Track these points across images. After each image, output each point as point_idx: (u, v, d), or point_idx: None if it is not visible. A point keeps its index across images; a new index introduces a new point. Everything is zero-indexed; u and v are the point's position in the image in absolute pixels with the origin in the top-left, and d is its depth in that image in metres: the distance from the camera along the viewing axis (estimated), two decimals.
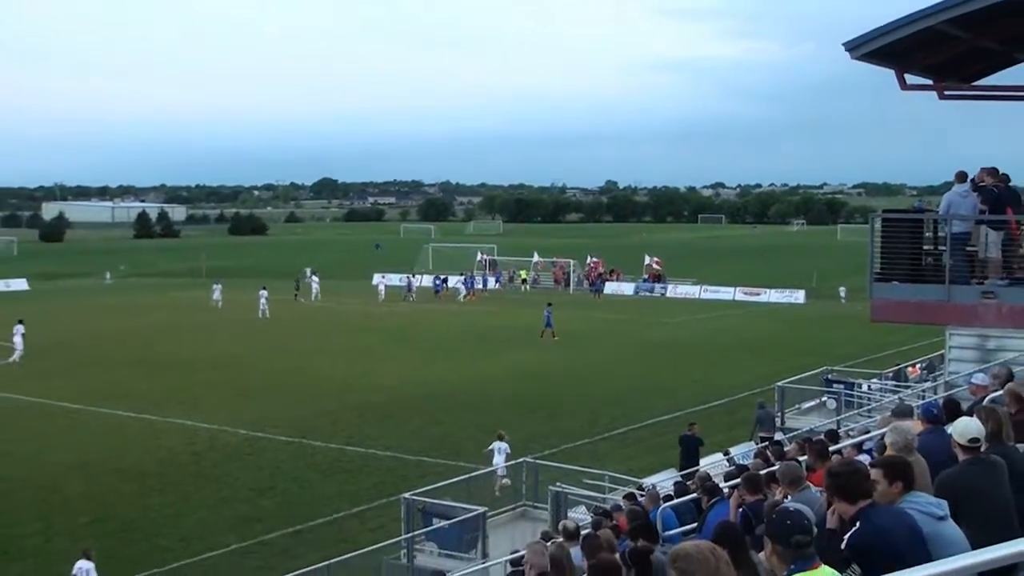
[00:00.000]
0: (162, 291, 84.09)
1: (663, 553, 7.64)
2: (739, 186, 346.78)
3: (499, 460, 27.53)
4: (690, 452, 27.04)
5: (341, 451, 32.72)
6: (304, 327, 62.46)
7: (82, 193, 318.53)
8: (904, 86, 19.16)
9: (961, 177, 17.50)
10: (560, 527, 18.84)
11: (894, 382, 31.91)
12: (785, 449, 15.86)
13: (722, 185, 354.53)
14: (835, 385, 31.68)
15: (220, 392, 42.00)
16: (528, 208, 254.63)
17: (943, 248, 17.66)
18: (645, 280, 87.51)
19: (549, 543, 12.15)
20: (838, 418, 26.65)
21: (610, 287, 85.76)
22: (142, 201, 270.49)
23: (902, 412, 12.34)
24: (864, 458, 10.65)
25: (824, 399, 31.05)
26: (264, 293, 68.08)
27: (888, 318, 18.71)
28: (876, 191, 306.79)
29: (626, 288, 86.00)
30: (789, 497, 9.19)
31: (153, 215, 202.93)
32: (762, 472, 11.69)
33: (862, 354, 43.19)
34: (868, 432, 14.40)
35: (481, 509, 22.28)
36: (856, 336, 50.60)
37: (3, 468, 30.81)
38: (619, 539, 11.80)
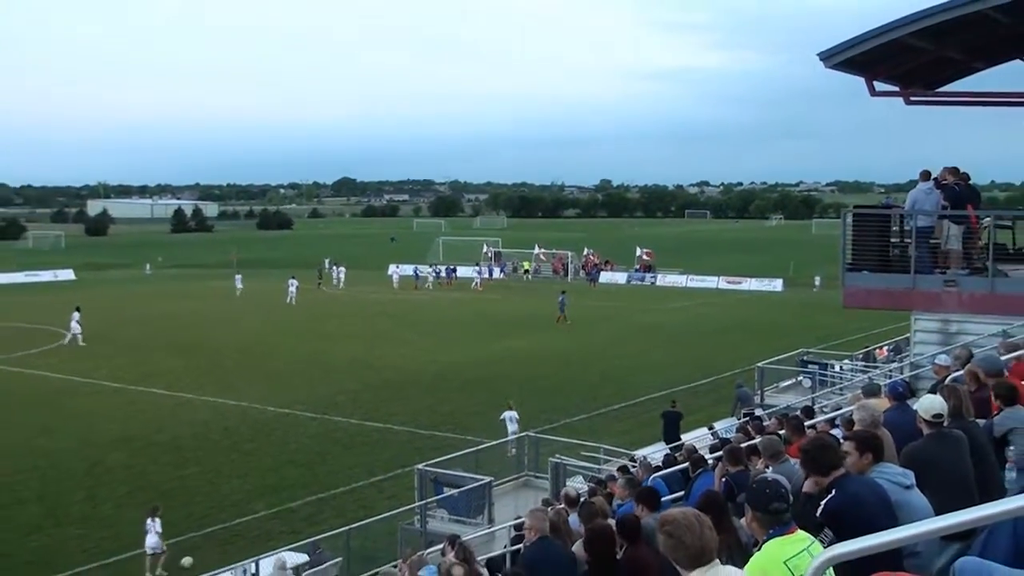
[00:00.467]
0: (196, 281, 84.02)
1: (652, 519, 7.64)
2: (722, 184, 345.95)
3: (513, 428, 27.67)
4: (672, 426, 27.09)
5: (360, 426, 32.75)
6: (326, 313, 62.41)
7: (124, 191, 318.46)
8: (873, 92, 19.13)
9: (925, 176, 17.49)
10: (561, 495, 18.88)
11: (864, 363, 31.91)
12: (764, 424, 15.86)
13: (707, 183, 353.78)
14: (810, 366, 31.68)
15: (250, 373, 42.04)
16: (530, 204, 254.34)
17: (909, 241, 17.66)
18: (637, 270, 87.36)
19: (549, 509, 12.15)
20: (813, 396, 26.66)
21: (605, 276, 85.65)
22: (178, 199, 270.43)
23: (871, 391, 12.36)
24: (837, 432, 10.66)
25: (800, 378, 31.06)
26: (294, 282, 68.21)
27: (859, 304, 18.69)
28: (848, 188, 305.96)
29: (619, 277, 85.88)
30: (769, 468, 9.19)
31: (188, 211, 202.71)
32: (743, 445, 11.69)
33: (835, 337, 43.09)
34: (840, 409, 14.40)
35: (487, 479, 22.34)
36: (829, 321, 50.50)
37: (54, 442, 30.88)
38: (613, 506, 11.81)
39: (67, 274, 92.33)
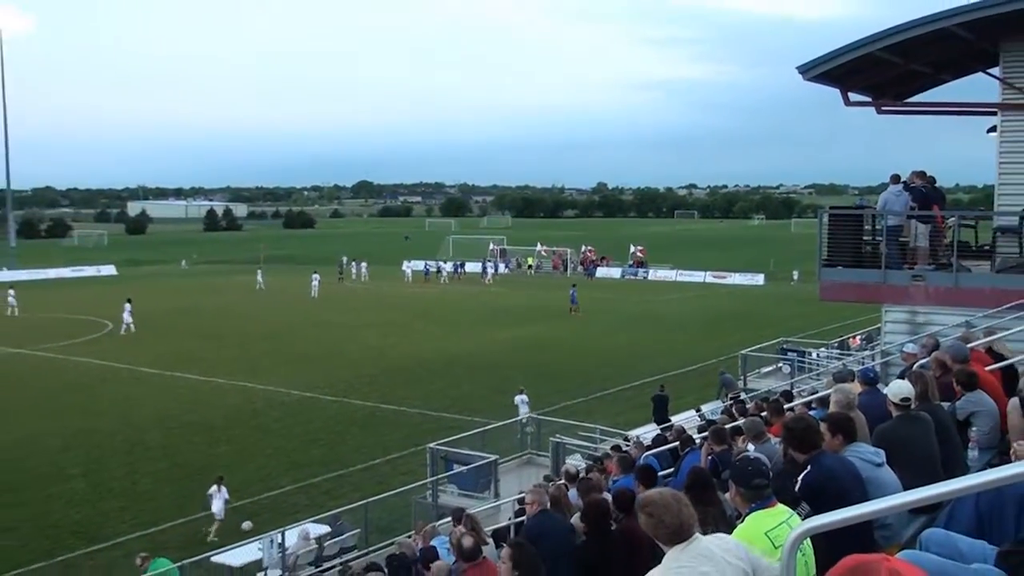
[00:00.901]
0: (228, 276, 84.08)
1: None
2: (709, 187, 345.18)
3: (524, 410, 27.78)
4: (661, 408, 27.08)
5: (376, 408, 32.77)
6: (346, 305, 62.45)
7: (161, 193, 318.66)
8: (847, 102, 19.09)
9: (895, 179, 17.48)
10: (561, 471, 18.90)
11: (838, 351, 31.87)
12: (747, 407, 15.84)
13: (695, 186, 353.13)
14: (789, 353, 31.63)
15: (276, 359, 42.07)
16: (532, 205, 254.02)
17: (880, 239, 17.63)
18: (630, 265, 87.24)
19: (550, 485, 12.16)
20: (792, 381, 26.61)
21: (601, 271, 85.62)
22: (210, 200, 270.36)
23: (843, 376, 12.33)
24: (815, 413, 10.65)
25: (780, 365, 31.01)
26: (316, 276, 68.39)
27: (834, 297, 18.67)
28: (824, 191, 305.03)
29: (614, 272, 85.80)
30: (751, 447, 9.18)
31: (219, 212, 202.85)
32: (728, 426, 11.68)
33: (812, 327, 43.06)
34: (817, 392, 14.37)
35: (493, 457, 22.35)
36: (806, 312, 50.41)
37: (97, 423, 30.94)
38: (608, 482, 11.81)
39: (109, 269, 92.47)
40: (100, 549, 20.39)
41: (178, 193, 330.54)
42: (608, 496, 8.87)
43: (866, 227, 18.37)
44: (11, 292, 59.40)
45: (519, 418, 27.29)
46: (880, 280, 17.31)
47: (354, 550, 18.96)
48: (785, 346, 33.08)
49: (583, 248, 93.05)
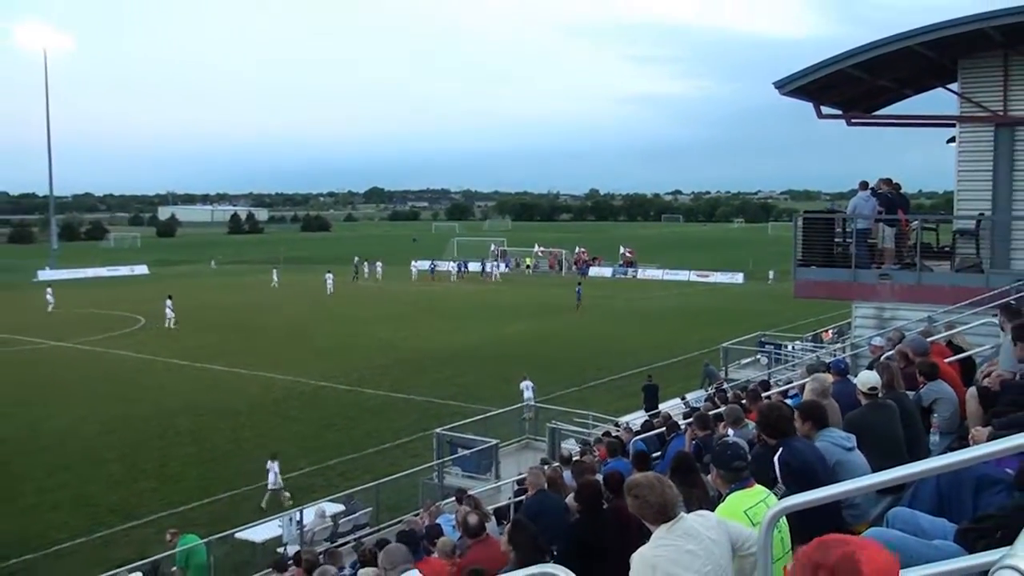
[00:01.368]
0: (253, 275, 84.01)
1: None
2: (693, 192, 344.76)
3: (528, 395, 27.85)
4: (651, 397, 27.07)
5: (387, 396, 32.77)
6: (359, 301, 62.43)
7: (189, 199, 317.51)
8: (820, 115, 19.09)
9: (863, 185, 17.49)
10: (558, 455, 18.92)
11: (812, 343, 31.86)
12: (728, 395, 15.85)
13: (680, 192, 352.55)
14: (767, 346, 31.64)
15: (294, 351, 42.05)
16: (530, 209, 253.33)
17: (850, 240, 17.64)
18: (620, 265, 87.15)
19: (546, 467, 12.16)
20: (769, 371, 26.62)
21: (593, 271, 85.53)
22: (234, 205, 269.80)
23: (815, 367, 12.33)
24: (790, 402, 10.65)
25: (758, 357, 31.02)
26: (330, 276, 68.71)
27: (807, 294, 18.66)
28: (798, 196, 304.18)
29: (605, 271, 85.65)
30: (731, 432, 9.19)
31: (243, 216, 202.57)
32: (710, 413, 11.69)
33: (787, 322, 43.06)
34: (792, 382, 14.38)
35: (495, 441, 22.38)
36: (782, 309, 50.38)
37: (132, 410, 30.95)
38: (599, 465, 11.81)
39: (142, 269, 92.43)
40: (135, 526, 20.40)
41: (205, 199, 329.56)
42: (600, 478, 8.88)
43: (837, 230, 18.36)
44: (48, 290, 59.41)
45: (524, 402, 27.39)
46: (850, 279, 17.32)
47: (366, 527, 18.98)
48: (763, 339, 33.09)
49: (576, 249, 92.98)
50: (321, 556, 12.78)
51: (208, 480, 23.59)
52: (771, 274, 74.77)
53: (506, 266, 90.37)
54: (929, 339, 10.42)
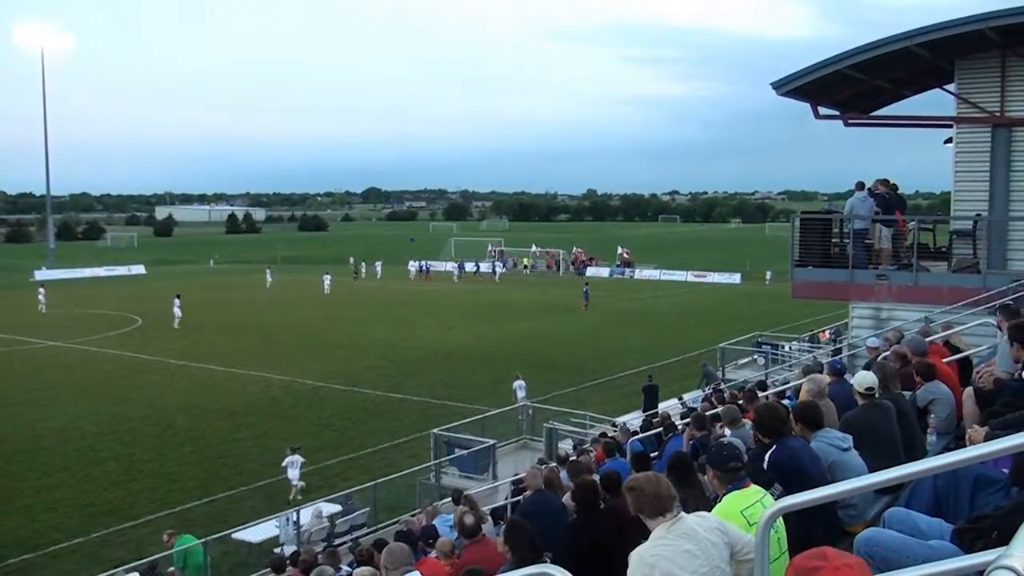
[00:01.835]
0: (250, 274, 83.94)
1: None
2: (690, 193, 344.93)
3: (521, 395, 27.85)
4: (651, 397, 27.05)
5: (384, 397, 32.74)
6: (356, 301, 62.36)
7: (186, 199, 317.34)
8: (817, 116, 19.12)
9: (859, 186, 17.51)
10: (554, 455, 18.91)
11: (809, 344, 31.86)
12: (725, 396, 15.85)
13: (677, 192, 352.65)
14: (764, 346, 31.62)
15: (292, 351, 42.02)
16: (527, 210, 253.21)
17: (847, 241, 17.66)
18: (618, 265, 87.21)
19: (543, 467, 12.16)
20: (766, 371, 26.62)
21: (590, 271, 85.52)
22: (231, 205, 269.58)
23: (813, 368, 12.34)
24: (787, 402, 10.65)
25: (755, 357, 31.00)
26: (327, 276, 69.19)
27: (805, 295, 18.69)
28: (796, 197, 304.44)
29: (603, 271, 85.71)
30: (728, 432, 9.19)
31: (240, 216, 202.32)
32: (708, 414, 11.69)
33: (784, 323, 43.06)
34: (789, 383, 14.38)
35: (492, 441, 22.35)
36: (779, 309, 50.41)
37: (128, 410, 30.92)
38: (597, 464, 11.80)
39: (139, 269, 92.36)
40: (132, 526, 20.37)
41: (202, 198, 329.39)
42: (596, 478, 8.87)
43: (834, 230, 18.40)
44: (40, 291, 59.36)
45: (518, 403, 27.34)
46: (847, 279, 17.34)
47: (363, 527, 18.96)
48: (760, 340, 33.09)
49: (574, 249, 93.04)
50: (319, 556, 12.76)
51: (205, 480, 23.57)
52: (768, 274, 74.81)
53: (504, 266, 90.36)
54: (926, 339, 10.42)
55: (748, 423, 8.91)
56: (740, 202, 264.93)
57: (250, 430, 28.49)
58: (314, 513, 18.45)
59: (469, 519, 8.82)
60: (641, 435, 15.22)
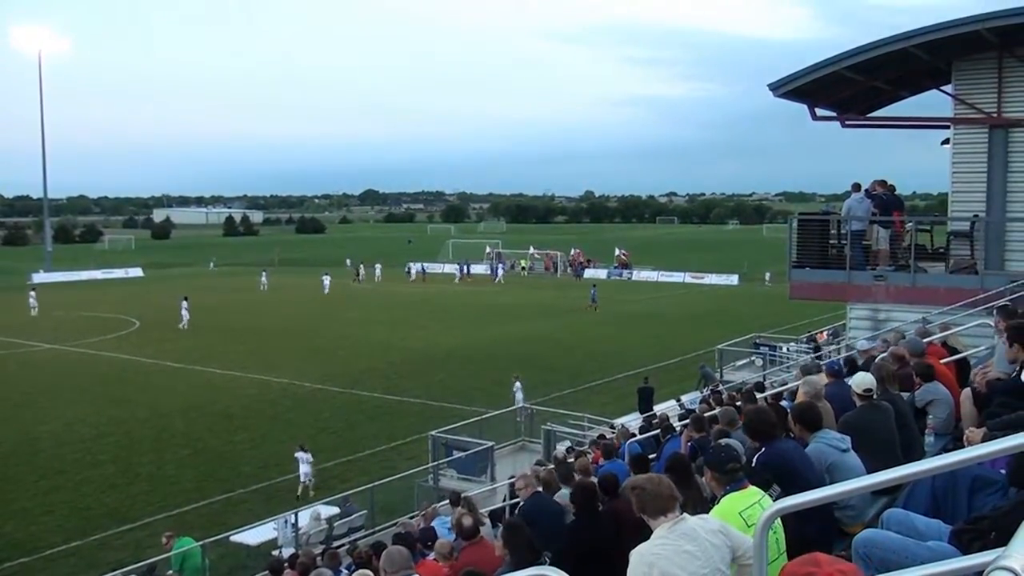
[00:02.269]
0: (249, 276, 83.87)
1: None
2: (687, 194, 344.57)
3: (520, 397, 27.92)
4: (646, 399, 27.07)
5: (382, 399, 32.73)
6: (355, 303, 62.33)
7: (183, 201, 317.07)
8: (815, 117, 19.15)
9: (856, 187, 17.54)
10: (552, 456, 18.90)
11: (807, 345, 31.88)
12: (723, 397, 15.84)
13: (674, 194, 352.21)
14: (762, 347, 31.63)
15: (290, 354, 41.98)
16: (525, 211, 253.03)
17: (845, 242, 17.68)
18: (615, 267, 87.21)
19: (541, 469, 12.15)
20: (764, 373, 26.63)
21: (588, 272, 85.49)
22: (229, 207, 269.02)
23: (811, 368, 12.34)
24: (785, 404, 10.65)
25: (753, 358, 31.02)
26: (327, 277, 69.88)
27: (803, 296, 18.70)
28: (793, 198, 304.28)
29: (600, 273, 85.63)
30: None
31: (238, 218, 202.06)
32: (706, 415, 11.69)
33: (782, 324, 43.06)
34: (787, 384, 14.39)
35: (490, 443, 22.36)
36: (777, 310, 50.37)
37: (126, 413, 30.88)
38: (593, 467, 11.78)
39: (136, 271, 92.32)
40: (129, 529, 20.36)
41: (199, 201, 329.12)
42: (595, 480, 8.87)
43: (832, 231, 18.40)
44: (31, 294, 59.25)
45: (517, 405, 27.38)
46: (845, 280, 17.36)
47: (361, 530, 18.95)
48: (758, 341, 33.10)
49: (572, 251, 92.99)
50: (318, 559, 12.75)
51: (203, 483, 23.55)
52: (767, 276, 74.73)
53: (502, 268, 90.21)
54: (924, 340, 10.43)
55: None
56: (738, 203, 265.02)
57: (248, 432, 28.47)
58: (312, 515, 18.44)
59: (467, 521, 8.82)
60: (639, 437, 15.22)
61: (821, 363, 13.48)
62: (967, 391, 7.81)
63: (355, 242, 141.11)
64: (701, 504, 6.32)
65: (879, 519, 4.76)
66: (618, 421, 23.22)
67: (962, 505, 4.87)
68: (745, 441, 7.61)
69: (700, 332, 45.43)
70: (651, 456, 12.43)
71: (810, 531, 5.28)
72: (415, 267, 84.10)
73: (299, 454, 22.88)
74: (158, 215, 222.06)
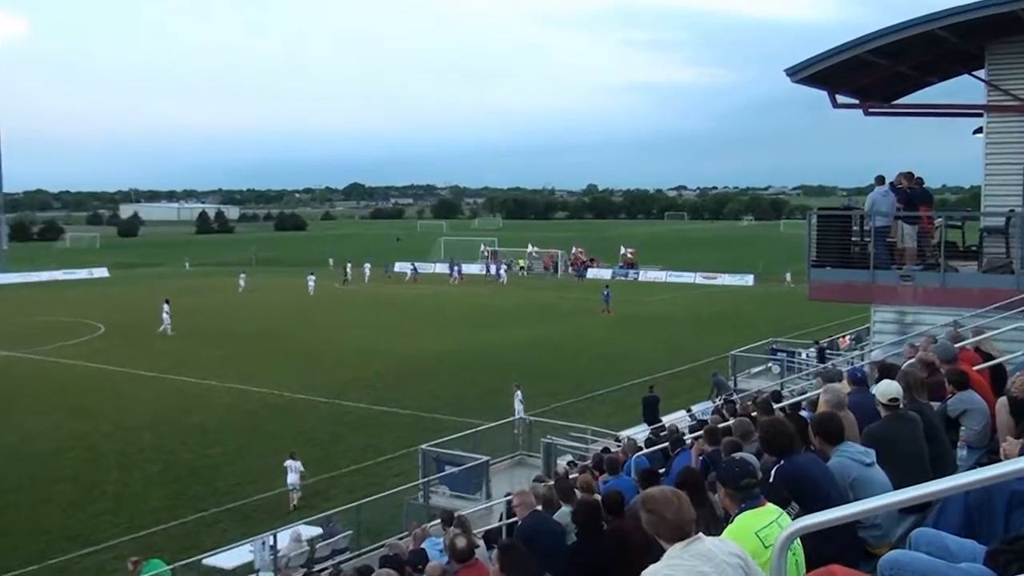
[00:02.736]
0: (224, 277, 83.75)
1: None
2: (698, 188, 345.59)
3: (519, 408, 27.96)
4: (651, 409, 27.08)
5: (369, 409, 32.70)
6: (341, 305, 62.29)
7: (153, 196, 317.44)
8: (835, 104, 19.13)
9: (880, 180, 17.54)
10: (553, 472, 18.89)
11: (828, 351, 31.88)
12: (737, 407, 15.84)
13: (684, 187, 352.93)
14: (779, 353, 31.63)
15: (269, 361, 41.95)
16: (523, 207, 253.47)
17: (868, 239, 17.67)
18: (621, 267, 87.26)
19: (541, 486, 12.13)
20: (781, 381, 26.63)
21: (591, 272, 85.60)
22: (202, 202, 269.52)
23: (831, 376, 12.32)
24: (805, 414, 10.64)
25: (770, 365, 31.03)
26: (312, 277, 70.86)
27: (823, 297, 18.70)
28: (812, 192, 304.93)
29: (605, 274, 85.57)
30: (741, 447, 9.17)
31: (212, 214, 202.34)
32: (720, 426, 11.67)
33: (802, 327, 43.05)
34: (806, 393, 14.38)
35: (485, 458, 22.33)
36: (796, 313, 50.26)
37: (89, 425, 30.82)
38: (597, 484, 11.77)
39: (101, 272, 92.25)
40: (91, 553, 20.29)
41: (170, 196, 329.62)
42: (598, 497, 8.86)
43: (854, 228, 18.39)
44: None
45: (516, 416, 27.41)
46: (868, 280, 17.35)
47: (346, 552, 18.92)
48: (774, 346, 33.10)
49: (573, 249, 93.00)
50: None
51: (173, 502, 23.49)
52: (788, 275, 73.43)
53: (497, 268, 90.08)
54: (955, 345, 10.41)
55: None
56: (752, 198, 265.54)
57: (223, 447, 28.43)
58: (292, 536, 18.39)
59: (461, 542, 8.79)
60: (646, 450, 15.20)
61: (840, 370, 13.46)
62: (1003, 400, 7.79)
63: (339, 240, 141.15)
64: (714, 523, 6.30)
65: (907, 539, 4.74)
66: (624, 433, 23.20)
67: (998, 523, 4.85)
68: (760, 454, 7.60)
69: (712, 337, 45.40)
70: (660, 471, 12.42)
71: (832, 552, 5.26)
72: (408, 267, 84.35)
73: (289, 462, 23.17)
74: (125, 211, 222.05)
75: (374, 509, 20.68)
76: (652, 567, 4.16)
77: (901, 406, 7.24)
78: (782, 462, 5.91)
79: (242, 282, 73.32)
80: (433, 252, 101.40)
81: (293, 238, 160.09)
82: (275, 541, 17.98)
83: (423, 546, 12.91)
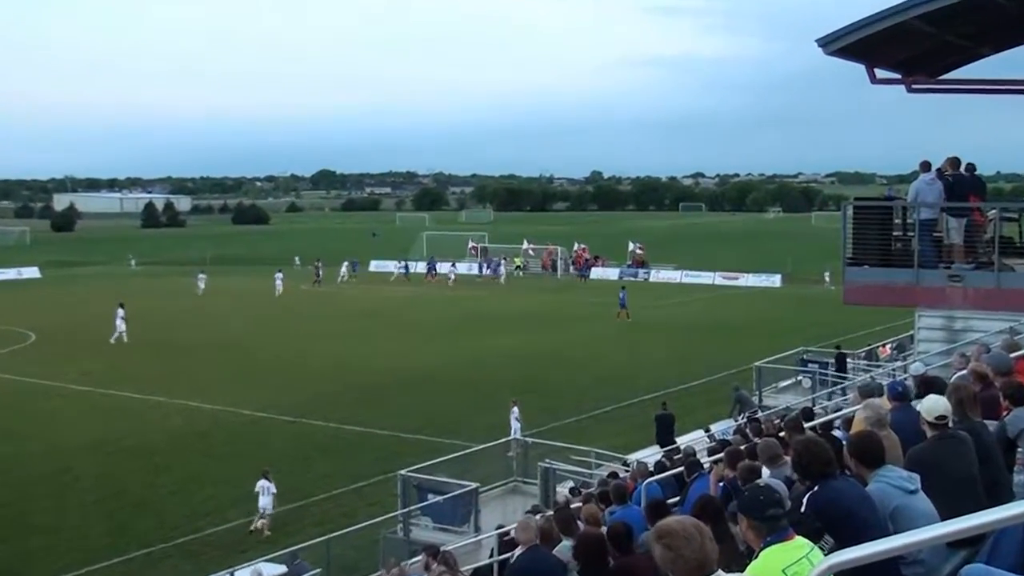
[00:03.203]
0: (175, 278, 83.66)
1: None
2: (718, 175, 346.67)
3: (515, 426, 28.06)
4: (665, 429, 27.11)
5: (339, 430, 32.68)
6: (310, 310, 62.23)
7: (92, 185, 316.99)
8: (874, 80, 19.15)
9: (925, 166, 17.52)
10: (552, 501, 18.92)
11: (866, 361, 31.94)
12: (762, 426, 15.87)
13: (702, 175, 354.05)
14: (810, 364, 31.65)
15: (224, 374, 41.91)
16: (517, 197, 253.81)
17: (912, 234, 17.67)
18: (629, 266, 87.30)
19: (539, 517, 12.13)
20: (813, 396, 26.67)
21: (596, 272, 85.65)
22: (149, 192, 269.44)
23: (870, 391, 12.34)
24: (838, 434, 10.66)
25: (800, 378, 31.07)
26: (280, 275, 72.09)
27: (860, 301, 18.72)
28: (848, 180, 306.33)
29: (611, 273, 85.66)
30: (766, 472, 9.18)
31: (159, 206, 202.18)
32: (743, 448, 11.69)
33: (837, 335, 43.05)
34: (841, 411, 14.40)
35: (474, 485, 22.31)
36: (831, 319, 50.24)
37: (16, 447, 30.74)
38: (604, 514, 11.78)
39: (32, 272, 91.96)
40: None
41: (112, 184, 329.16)
42: (604, 530, 8.86)
43: (896, 221, 18.41)
44: None
45: (512, 436, 27.43)
46: (912, 281, 17.36)
47: None
48: (805, 357, 33.12)
49: (575, 246, 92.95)
50: None
51: (116, 535, 23.46)
52: (827, 275, 72.26)
53: (487, 267, 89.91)
54: (1013, 355, 10.44)
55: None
56: (780, 186, 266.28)
57: (172, 473, 28.38)
58: (252, 574, 18.37)
59: None
60: (658, 476, 15.22)
61: (880, 383, 13.48)
62: None
63: (306, 235, 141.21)
64: (736, 559, 6.30)
65: None
66: (632, 456, 23.22)
67: None
68: (790, 479, 7.61)
69: (734, 346, 45.44)
70: (673, 500, 12.42)
71: None
72: (398, 267, 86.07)
73: (262, 483, 23.57)
74: (59, 202, 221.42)
75: (346, 544, 20.68)
76: None
77: (950, 425, 7.25)
78: (816, 488, 5.91)
79: (201, 284, 73.32)
80: (413, 250, 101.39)
81: (254, 233, 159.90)
82: None
83: None
